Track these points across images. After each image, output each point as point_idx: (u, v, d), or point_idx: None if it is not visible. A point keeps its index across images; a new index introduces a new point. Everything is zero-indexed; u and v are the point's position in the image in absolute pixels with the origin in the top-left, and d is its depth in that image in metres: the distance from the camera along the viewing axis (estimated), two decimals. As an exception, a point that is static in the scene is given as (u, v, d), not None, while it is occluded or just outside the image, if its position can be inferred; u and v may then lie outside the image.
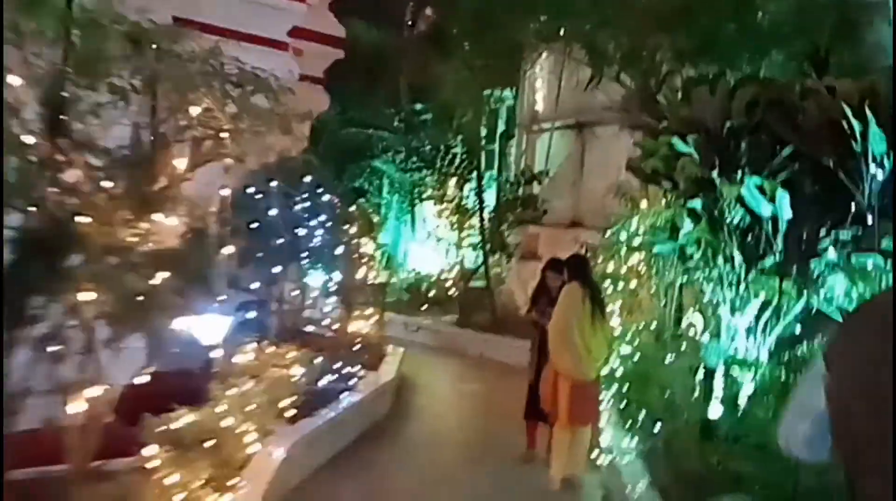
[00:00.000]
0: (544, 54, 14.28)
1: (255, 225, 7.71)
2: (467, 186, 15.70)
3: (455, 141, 16.00)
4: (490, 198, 15.47)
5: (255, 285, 7.89)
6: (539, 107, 15.22)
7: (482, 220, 14.65)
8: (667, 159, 5.94)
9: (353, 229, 11.50)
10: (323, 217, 8.96)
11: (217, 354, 5.87)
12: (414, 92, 16.95)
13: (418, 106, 17.52)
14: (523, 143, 15.47)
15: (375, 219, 18.22)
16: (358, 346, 9.76)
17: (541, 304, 7.61)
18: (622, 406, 7.17)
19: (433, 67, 15.28)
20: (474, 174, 15.70)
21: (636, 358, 7.57)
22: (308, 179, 8.54)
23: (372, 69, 16.09)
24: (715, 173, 5.48)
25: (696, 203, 5.78)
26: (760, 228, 5.70)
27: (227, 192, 6.70)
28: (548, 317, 7.20)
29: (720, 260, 5.93)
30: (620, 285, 8.63)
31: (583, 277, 7.01)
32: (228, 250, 6.05)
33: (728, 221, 5.55)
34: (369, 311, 10.62)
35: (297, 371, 7.07)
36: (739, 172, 5.44)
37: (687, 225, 5.87)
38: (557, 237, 14.28)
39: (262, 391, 6.36)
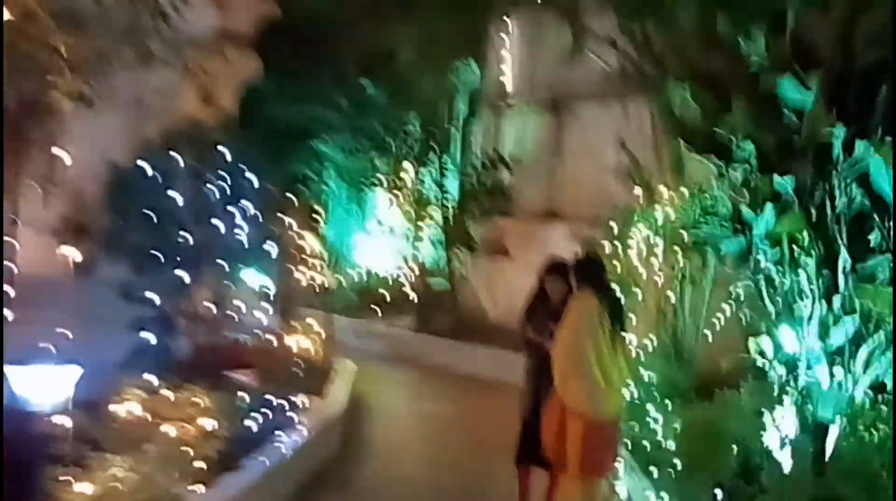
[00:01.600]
0: (513, 18, 12.49)
1: (149, 213, 5.66)
2: (425, 172, 13.74)
3: (410, 118, 14.03)
4: (451, 186, 13.55)
5: (153, 297, 5.84)
6: (507, 81, 13.35)
7: (444, 211, 12.76)
8: (753, 118, 4.11)
9: (291, 221, 9.53)
10: (249, 205, 6.94)
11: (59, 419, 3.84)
12: (363, 66, 14.90)
13: (367, 83, 15.46)
14: (489, 124, 13.59)
15: (318, 209, 16.21)
16: (298, 367, 7.81)
17: (537, 318, 5.78)
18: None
19: (385, 37, 13.33)
20: (433, 158, 13.79)
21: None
22: (227, 154, 6.50)
23: (313, 38, 14.02)
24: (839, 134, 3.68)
25: (786, 182, 3.98)
26: (873, 219, 3.93)
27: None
28: (549, 336, 5.40)
29: (810, 261, 4.14)
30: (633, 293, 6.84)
31: (598, 284, 5.20)
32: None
33: (838, 209, 3.76)
34: (312, 321, 8.63)
35: (211, 422, 5.05)
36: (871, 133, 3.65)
37: (768, 215, 4.07)
38: (530, 231, 12.46)
39: (158, 457, 4.36)
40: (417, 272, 13.75)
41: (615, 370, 4.94)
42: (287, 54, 12.88)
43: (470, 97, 13.82)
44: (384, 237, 14.74)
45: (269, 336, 8.19)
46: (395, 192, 14.08)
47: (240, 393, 5.82)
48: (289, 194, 15.10)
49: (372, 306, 14.60)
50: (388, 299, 14.86)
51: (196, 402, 5.02)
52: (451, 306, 12.91)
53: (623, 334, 5.05)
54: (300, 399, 7.16)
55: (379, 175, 14.27)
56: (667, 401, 5.76)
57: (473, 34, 13.09)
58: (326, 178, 16.73)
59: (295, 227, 9.84)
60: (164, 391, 4.99)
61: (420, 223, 13.81)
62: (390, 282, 14.99)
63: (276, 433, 6.14)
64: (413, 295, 13.80)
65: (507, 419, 8.83)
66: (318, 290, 11.05)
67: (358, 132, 15.19)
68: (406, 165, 13.97)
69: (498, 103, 13.46)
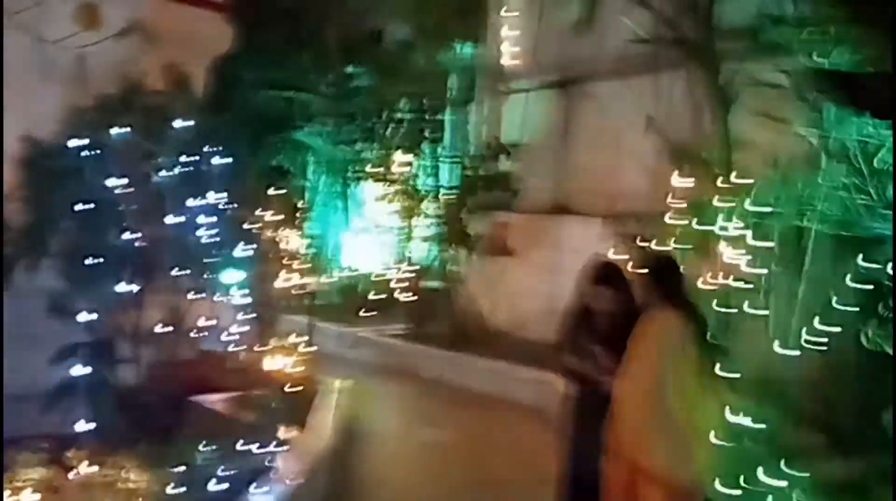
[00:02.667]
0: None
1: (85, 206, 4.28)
2: (418, 163, 12.39)
3: (401, 103, 12.68)
4: (447, 178, 12.22)
5: (86, 317, 4.46)
6: (507, 60, 12.03)
7: (439, 205, 11.42)
8: None
9: (269, 218, 8.20)
10: (217, 198, 5.58)
11: None
12: (348, 46, 13.53)
13: (351, 69, 14.07)
14: (488, 108, 12.27)
15: (300, 205, 14.82)
16: (278, 392, 6.49)
17: (580, 342, 4.48)
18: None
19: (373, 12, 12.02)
20: (427, 148, 12.47)
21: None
22: (189, 134, 5.12)
23: (294, 12, 12.66)
24: None
25: None
26: None
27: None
28: (602, 368, 4.14)
29: None
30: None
31: (680, 298, 3.92)
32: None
33: None
34: (294, 336, 7.30)
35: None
36: None
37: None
38: (536, 227, 11.17)
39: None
40: (409, 274, 12.40)
41: (708, 418, 3.67)
42: (265, 28, 11.53)
43: (467, 79, 12.50)
44: (372, 235, 13.37)
45: (243, 354, 6.88)
46: (384, 185, 12.69)
47: (202, 447, 4.47)
48: (265, 188, 13.86)
49: (359, 312, 13.29)
50: (375, 301, 13.55)
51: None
52: (447, 311, 11.59)
53: (716, 367, 3.77)
54: (279, 434, 5.86)
55: (366, 167, 12.87)
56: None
57: (470, 7, 11.77)
58: (307, 170, 15.37)
59: (273, 224, 8.53)
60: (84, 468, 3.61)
61: (412, 219, 12.46)
62: (378, 283, 13.65)
63: (251, 487, 4.84)
64: (404, 299, 12.46)
65: (517, 447, 7.56)
66: (299, 295, 9.77)
67: (342, 119, 13.82)
68: (396, 155, 12.60)
69: (498, 85, 12.14)
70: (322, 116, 14.01)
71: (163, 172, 4.69)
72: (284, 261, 9.06)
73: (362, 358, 11.63)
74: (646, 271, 4.09)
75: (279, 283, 7.56)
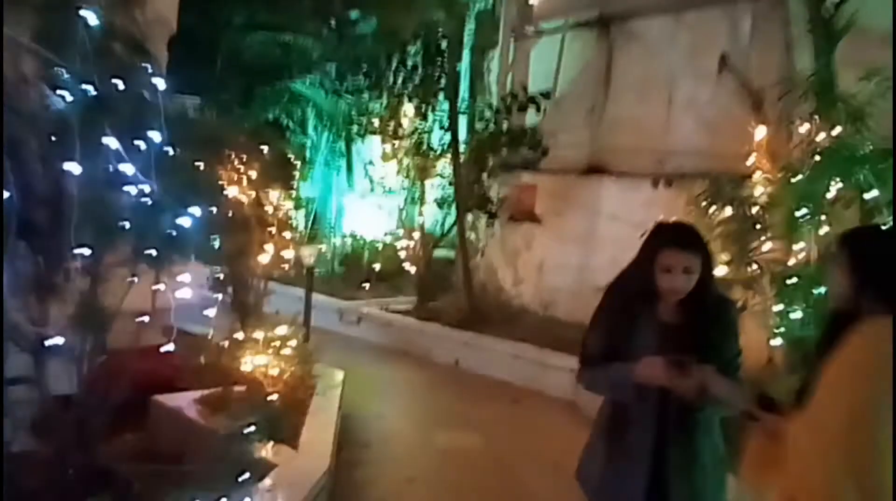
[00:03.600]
0: None
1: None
2: (431, 116, 10.89)
3: (411, 49, 11.13)
4: (464, 133, 10.72)
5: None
6: (536, -2, 10.46)
7: (455, 164, 9.95)
8: None
9: (258, 177, 6.76)
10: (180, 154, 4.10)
11: None
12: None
13: (355, 15, 12.50)
14: (511, 53, 10.72)
15: (295, 164, 13.39)
16: (260, 396, 5.11)
17: (640, 335, 3.02)
18: None
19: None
20: (441, 99, 10.95)
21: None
22: (150, 69, 3.62)
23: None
24: None
25: None
26: None
27: None
28: (674, 371, 2.75)
29: None
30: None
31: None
32: None
33: None
34: (284, 329, 5.91)
35: None
36: None
37: None
38: (567, 190, 9.70)
39: None
40: (420, 241, 10.98)
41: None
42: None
43: (488, 19, 10.94)
44: (376, 197, 11.93)
45: (219, 344, 5.49)
46: (393, 141, 11.21)
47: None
48: (257, 143, 12.43)
49: (360, 279, 11.92)
50: (381, 271, 12.19)
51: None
52: (463, 285, 10.19)
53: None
54: (262, 455, 4.52)
55: (372, 121, 11.36)
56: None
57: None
58: (305, 124, 13.89)
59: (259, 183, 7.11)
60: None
61: (424, 181, 11.00)
62: (383, 251, 12.27)
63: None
64: (413, 270, 11.07)
65: (547, 449, 6.33)
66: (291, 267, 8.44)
67: (345, 68, 12.31)
68: (407, 107, 11.09)
69: (525, 26, 10.58)
70: (323, 64, 12.51)
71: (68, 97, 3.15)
72: (275, 229, 7.70)
73: (366, 338, 10.27)
74: (852, 251, 2.55)
75: (266, 256, 6.13)
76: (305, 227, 13.86)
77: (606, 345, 2.94)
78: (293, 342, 5.73)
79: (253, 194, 5.99)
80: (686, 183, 7.02)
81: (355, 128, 12.28)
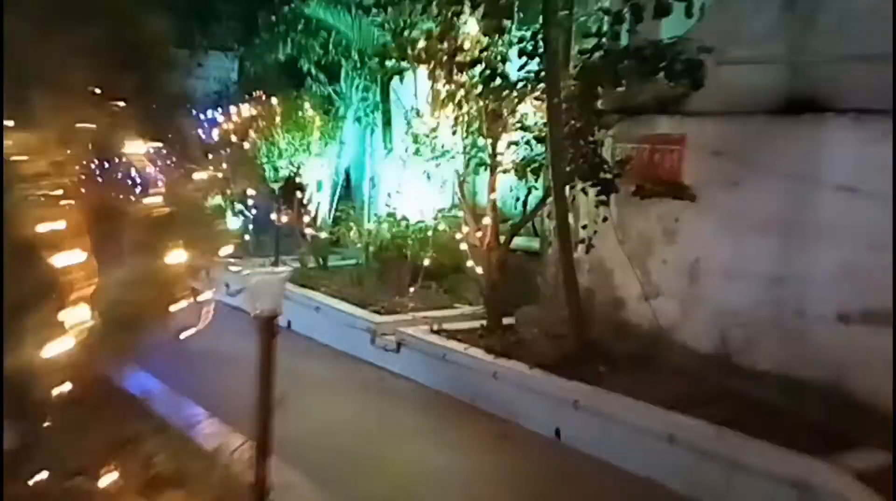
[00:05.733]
0: None
1: None
2: (507, 36, 6.93)
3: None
4: (559, 57, 6.76)
5: None
6: None
7: (552, 106, 6.10)
8: None
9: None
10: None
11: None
12: None
13: None
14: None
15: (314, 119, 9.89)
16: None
17: None
18: None
19: None
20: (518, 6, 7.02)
21: None
22: None
23: None
24: None
25: None
26: None
27: None
28: None
29: None
30: None
31: None
32: None
33: None
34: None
35: None
36: None
37: None
38: (743, 142, 5.75)
39: None
40: (489, 227, 7.20)
41: None
42: None
43: None
44: (425, 164, 8.09)
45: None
46: (448, 75, 7.31)
47: None
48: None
49: (406, 287, 8.37)
50: (434, 272, 8.56)
51: None
52: (562, 296, 6.38)
53: None
54: None
55: (416, 47, 7.49)
56: None
57: None
58: (328, 66, 10.28)
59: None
60: None
61: (496, 135, 7.16)
62: (437, 241, 8.56)
63: None
64: (479, 270, 7.31)
65: None
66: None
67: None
68: (468, 24, 7.18)
69: None
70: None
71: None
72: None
73: (409, 376, 6.73)
74: None
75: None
76: (330, 206, 10.24)
77: None
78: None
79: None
80: None
81: (393, 62, 8.46)
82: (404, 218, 8.84)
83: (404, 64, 7.94)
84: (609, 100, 6.58)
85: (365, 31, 9.05)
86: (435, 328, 7.17)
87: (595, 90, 6.38)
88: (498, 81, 6.76)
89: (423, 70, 7.65)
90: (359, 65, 9.48)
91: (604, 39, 6.24)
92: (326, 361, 7.41)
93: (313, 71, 10.20)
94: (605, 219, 6.54)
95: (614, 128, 6.54)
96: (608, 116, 6.50)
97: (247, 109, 9.73)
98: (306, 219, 9.80)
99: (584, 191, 6.54)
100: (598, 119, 6.44)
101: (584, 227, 6.70)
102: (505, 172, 7.21)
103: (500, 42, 6.95)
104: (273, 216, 9.72)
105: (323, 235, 9.82)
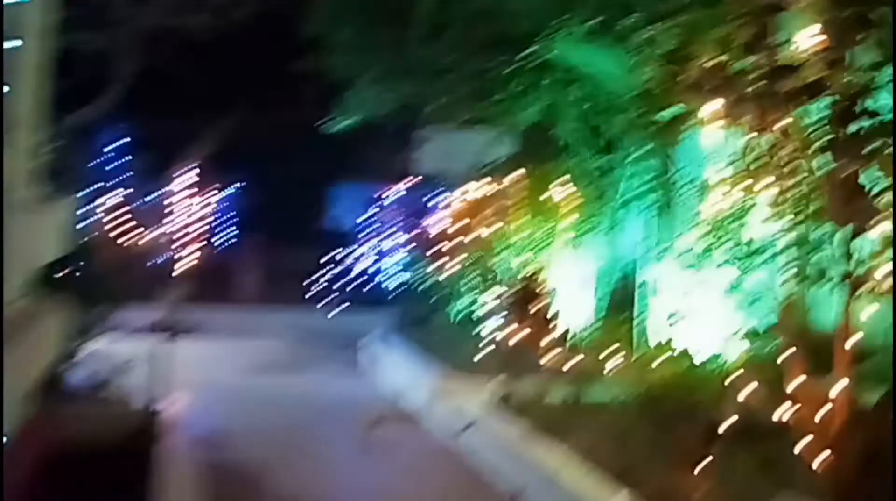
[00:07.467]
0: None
1: None
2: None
3: None
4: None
5: None
6: None
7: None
8: None
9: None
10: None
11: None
12: None
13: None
14: None
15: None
16: None
17: None
18: None
19: None
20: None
21: None
22: None
23: None
24: None
25: None
26: None
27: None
28: None
29: None
30: None
31: None
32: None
33: None
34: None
35: None
36: None
37: None
38: None
39: None
40: (843, 384, 3.91)
41: None
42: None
43: None
44: (713, 270, 4.98)
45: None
46: (762, 124, 4.26)
47: None
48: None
49: (682, 449, 5.32)
50: (734, 435, 5.36)
51: None
52: None
53: None
54: None
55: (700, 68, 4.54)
56: None
57: None
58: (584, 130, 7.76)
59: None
60: None
61: (854, 222, 3.93)
62: (737, 385, 5.36)
63: None
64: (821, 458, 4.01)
65: None
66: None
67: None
68: (794, 27, 4.14)
69: None
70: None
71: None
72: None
73: None
74: None
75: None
76: (588, 319, 7.49)
77: None
78: None
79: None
80: None
81: (673, 130, 5.53)
82: (685, 353, 5.76)
83: (681, 107, 4.95)
84: None
85: (631, 74, 6.32)
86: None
87: None
88: (861, 123, 3.63)
89: (712, 118, 4.66)
90: (625, 124, 6.73)
91: None
92: None
93: (566, 137, 7.68)
94: None
95: None
96: None
97: (478, 189, 7.46)
98: (549, 334, 7.12)
99: None
100: None
101: None
102: (873, 291, 3.94)
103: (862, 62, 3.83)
104: (499, 325, 7.20)
105: (572, 358, 7.04)
